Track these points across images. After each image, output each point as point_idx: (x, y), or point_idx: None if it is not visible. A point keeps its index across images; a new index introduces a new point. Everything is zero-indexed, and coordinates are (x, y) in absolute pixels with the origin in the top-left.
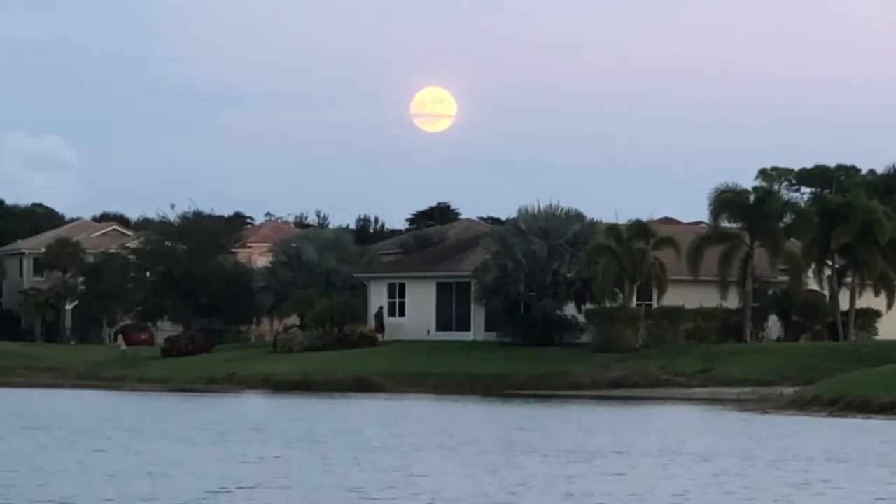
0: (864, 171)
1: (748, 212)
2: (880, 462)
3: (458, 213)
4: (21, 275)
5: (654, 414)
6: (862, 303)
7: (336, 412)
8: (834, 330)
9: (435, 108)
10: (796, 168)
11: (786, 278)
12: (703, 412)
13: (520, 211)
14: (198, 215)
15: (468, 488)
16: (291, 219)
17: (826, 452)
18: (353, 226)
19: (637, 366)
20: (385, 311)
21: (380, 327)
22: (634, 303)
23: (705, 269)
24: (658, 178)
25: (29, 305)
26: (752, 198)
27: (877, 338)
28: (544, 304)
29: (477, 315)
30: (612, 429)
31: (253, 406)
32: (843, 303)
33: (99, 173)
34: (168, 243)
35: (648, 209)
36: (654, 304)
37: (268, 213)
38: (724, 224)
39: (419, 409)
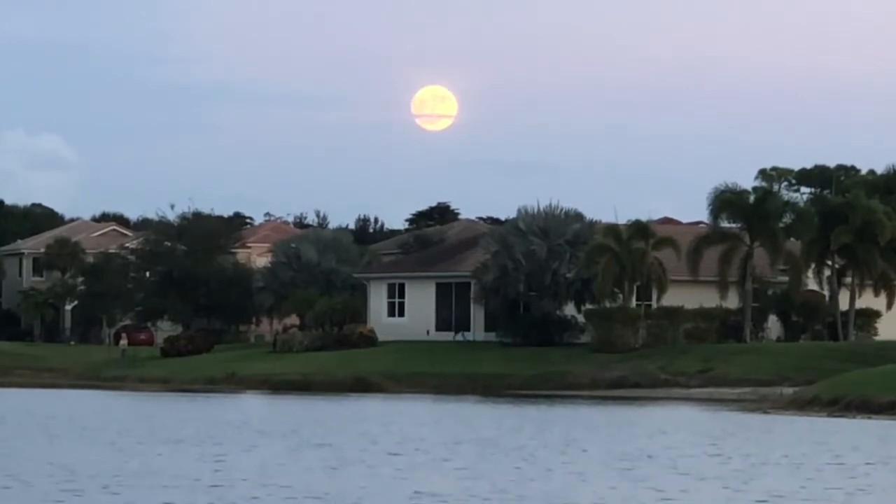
0: (864, 171)
1: (748, 212)
2: None
3: (457, 213)
4: (20, 275)
5: (688, 415)
6: (862, 303)
7: (364, 412)
8: (834, 330)
9: (436, 107)
10: (796, 168)
11: (786, 278)
12: (731, 412)
13: (519, 211)
14: (197, 215)
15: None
16: (291, 219)
17: None
18: (352, 226)
19: (637, 366)
20: (385, 311)
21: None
22: (634, 303)
23: (705, 269)
24: (658, 178)
25: (28, 305)
26: (751, 198)
27: (877, 338)
28: (544, 304)
29: (477, 315)
30: (681, 432)
31: (278, 406)
32: (843, 303)
33: (99, 173)
34: (168, 243)
35: (648, 209)
36: (654, 304)
37: (267, 213)
38: (724, 224)
39: (451, 410)
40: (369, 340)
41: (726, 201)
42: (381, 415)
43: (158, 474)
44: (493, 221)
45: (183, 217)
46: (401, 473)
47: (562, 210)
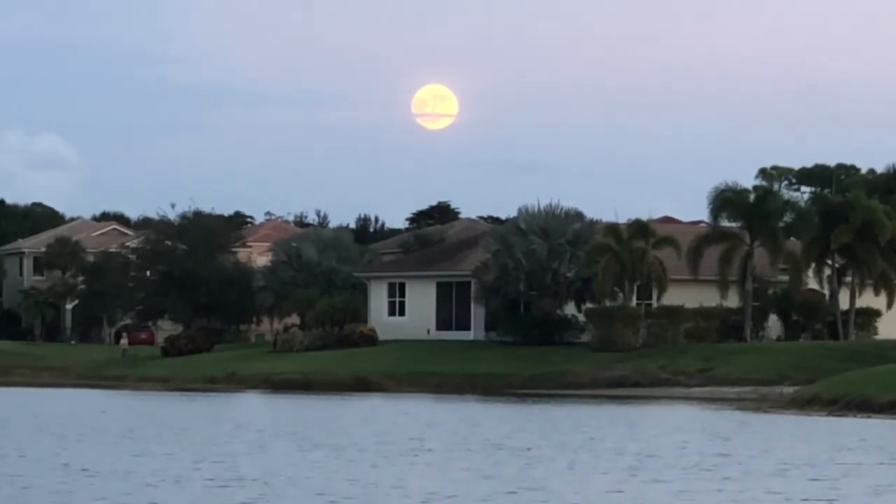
0: (864, 171)
1: (748, 211)
2: None
3: (458, 213)
4: (21, 274)
5: (690, 414)
6: (862, 302)
7: (366, 412)
8: (834, 329)
9: (436, 106)
10: (796, 167)
11: (786, 278)
12: (732, 412)
13: (520, 210)
14: (198, 214)
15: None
16: (291, 218)
17: None
18: (353, 225)
19: (637, 365)
20: (385, 310)
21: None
22: (634, 302)
23: (705, 269)
24: (658, 178)
25: (29, 305)
26: (752, 197)
27: (877, 337)
28: (544, 303)
29: (477, 314)
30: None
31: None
32: (843, 302)
33: (99, 172)
34: (168, 242)
35: (648, 209)
36: (654, 304)
37: (268, 213)
38: (724, 223)
39: (454, 410)
40: (370, 340)
41: (727, 200)
42: (383, 414)
43: (163, 474)
44: (494, 221)
45: (183, 216)
46: (409, 473)
47: (562, 209)
